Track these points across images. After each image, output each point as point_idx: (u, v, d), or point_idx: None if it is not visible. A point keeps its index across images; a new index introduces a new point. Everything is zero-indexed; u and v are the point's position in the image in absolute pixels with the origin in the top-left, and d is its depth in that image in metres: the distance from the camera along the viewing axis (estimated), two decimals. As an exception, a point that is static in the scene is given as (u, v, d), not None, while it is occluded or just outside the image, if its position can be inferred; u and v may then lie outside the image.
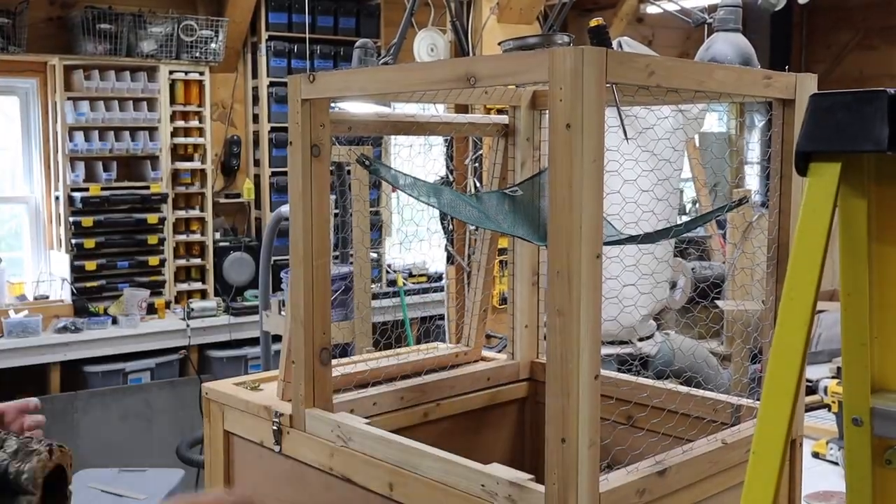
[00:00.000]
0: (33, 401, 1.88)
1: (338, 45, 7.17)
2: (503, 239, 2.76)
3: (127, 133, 6.38)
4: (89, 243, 6.25)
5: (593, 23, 2.24)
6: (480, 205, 2.35)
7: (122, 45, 6.31)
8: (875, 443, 1.25)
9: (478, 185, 4.78)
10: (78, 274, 6.25)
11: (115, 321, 6.18)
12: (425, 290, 7.21)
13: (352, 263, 4.18)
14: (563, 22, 4.89)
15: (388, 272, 7.33)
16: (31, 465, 1.38)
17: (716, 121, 10.13)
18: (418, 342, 6.05)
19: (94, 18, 6.16)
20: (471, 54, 4.79)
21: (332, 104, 2.27)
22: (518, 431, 2.80)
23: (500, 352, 3.01)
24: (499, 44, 2.21)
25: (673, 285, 4.72)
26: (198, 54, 6.58)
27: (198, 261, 6.81)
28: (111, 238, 6.34)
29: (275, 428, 2.29)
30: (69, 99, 6.17)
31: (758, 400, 2.21)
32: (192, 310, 6.46)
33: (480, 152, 4.70)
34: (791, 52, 10.18)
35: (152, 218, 6.45)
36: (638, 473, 1.83)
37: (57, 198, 6.34)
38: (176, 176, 6.64)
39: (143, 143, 6.41)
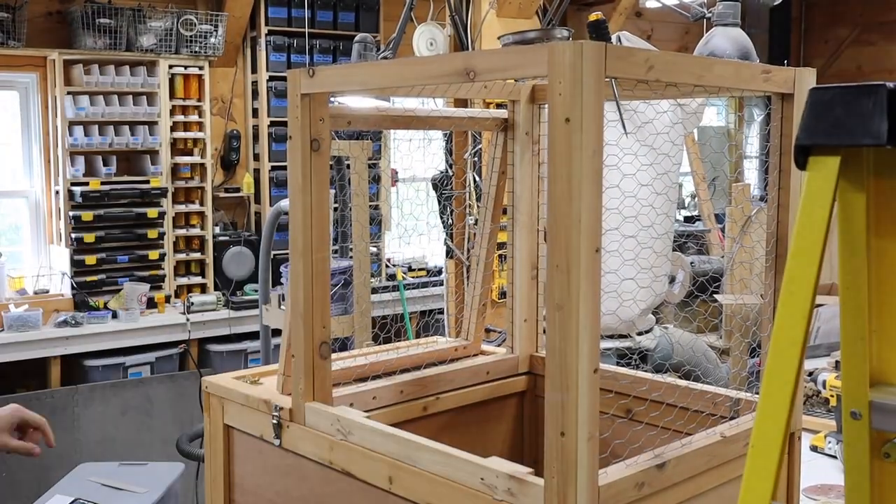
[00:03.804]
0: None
1: (337, 39, 7.17)
2: (502, 233, 2.77)
3: (126, 127, 6.39)
4: (89, 237, 6.25)
5: (592, 17, 2.24)
6: None
7: (121, 40, 6.31)
8: (873, 436, 1.25)
9: (477, 179, 4.78)
10: (78, 268, 6.26)
11: (115, 315, 6.19)
12: (425, 285, 7.22)
13: (351, 258, 4.18)
14: (563, 16, 4.89)
15: (387, 266, 7.33)
16: None
17: (715, 115, 10.14)
18: (418, 336, 6.06)
19: (93, 13, 6.16)
20: (470, 49, 4.79)
21: (332, 98, 2.28)
22: (517, 425, 2.80)
23: (499, 346, 3.01)
24: (498, 38, 2.21)
25: (672, 279, 4.73)
26: (197, 49, 6.58)
27: (197, 255, 6.81)
28: (111, 232, 6.34)
29: (274, 422, 2.30)
30: (69, 93, 6.17)
31: (756, 394, 2.22)
32: (192, 304, 6.46)
33: (480, 146, 4.70)
34: (790, 46, 10.19)
35: (152, 212, 6.46)
36: (637, 467, 1.83)
37: (57, 192, 6.34)
38: (175, 170, 6.64)
39: (142, 138, 6.41)
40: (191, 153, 6.70)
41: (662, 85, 1.89)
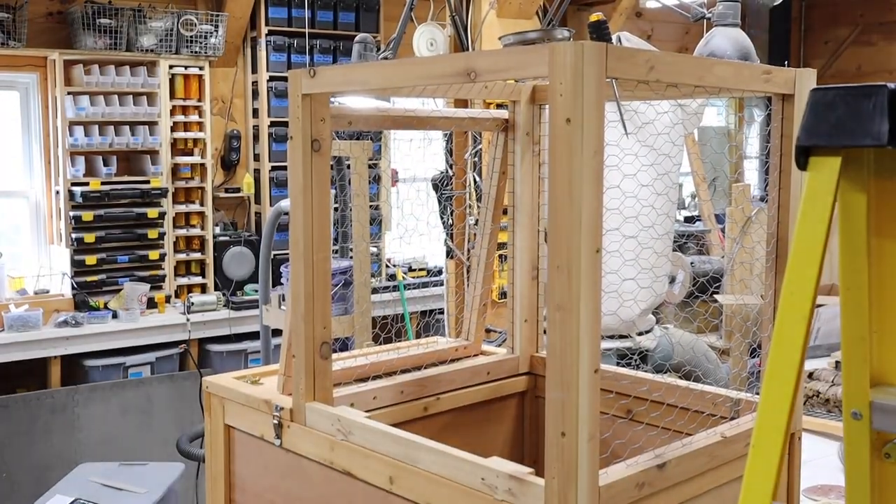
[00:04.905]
0: None
1: (337, 39, 7.16)
2: (503, 233, 2.77)
3: (127, 128, 6.38)
4: (89, 238, 6.25)
5: (593, 18, 2.25)
6: None
7: (121, 40, 6.31)
8: (874, 436, 1.25)
9: (477, 179, 4.78)
10: (78, 268, 6.26)
11: (115, 315, 6.19)
12: (425, 285, 7.22)
13: (351, 258, 4.18)
14: (563, 17, 4.90)
15: (387, 266, 7.34)
16: None
17: (715, 116, 10.14)
18: (418, 336, 6.06)
19: (94, 13, 6.16)
20: (470, 49, 4.80)
21: (332, 99, 2.28)
22: (518, 425, 2.81)
23: (499, 346, 3.01)
24: (499, 38, 2.22)
25: (672, 280, 4.73)
26: (197, 49, 6.58)
27: (198, 255, 6.81)
28: (111, 232, 6.34)
29: (275, 422, 2.30)
30: (69, 94, 6.17)
31: (756, 394, 2.22)
32: (192, 304, 6.46)
33: (480, 147, 4.70)
34: (790, 47, 10.19)
35: (152, 212, 6.46)
36: (637, 467, 1.83)
37: (57, 192, 6.34)
38: (176, 170, 6.64)
39: (142, 138, 6.41)
40: (191, 153, 6.70)
41: (663, 85, 1.89)
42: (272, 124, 7.02)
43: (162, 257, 6.53)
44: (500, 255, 3.14)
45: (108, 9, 6.24)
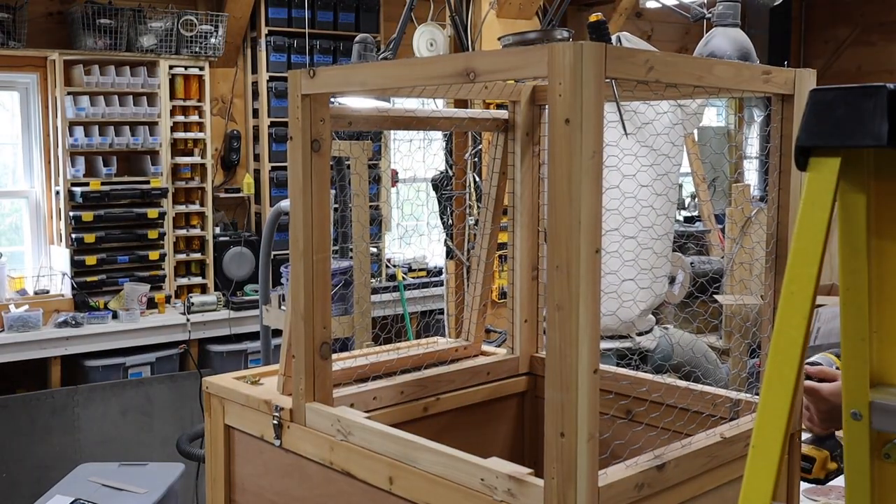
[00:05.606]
0: None
1: (337, 40, 7.17)
2: (503, 234, 2.77)
3: (127, 128, 6.39)
4: (89, 238, 6.25)
5: (593, 18, 2.25)
6: None
7: (121, 41, 6.31)
8: (874, 437, 1.25)
9: (477, 179, 4.78)
10: (78, 268, 6.26)
11: (115, 316, 6.19)
12: (425, 285, 7.22)
13: (351, 258, 4.18)
14: (563, 17, 4.90)
15: (387, 267, 7.34)
16: None
17: (715, 116, 10.15)
18: (418, 336, 6.06)
19: (94, 13, 6.16)
20: (470, 49, 4.79)
21: (332, 99, 2.28)
22: (517, 426, 2.81)
23: (499, 346, 3.01)
24: (498, 39, 2.22)
25: (672, 280, 4.73)
26: (197, 49, 6.58)
27: (198, 255, 6.81)
28: (111, 233, 6.35)
29: (275, 422, 2.30)
30: (69, 94, 6.17)
31: (756, 395, 2.22)
32: (192, 304, 6.47)
33: (480, 147, 4.70)
34: (790, 46, 10.20)
35: (152, 213, 6.46)
36: (637, 468, 1.83)
37: (57, 192, 6.34)
38: (176, 171, 6.64)
39: (143, 138, 6.41)
40: (191, 153, 6.70)
41: (662, 86, 1.89)
42: (272, 124, 7.02)
43: (162, 257, 6.53)
44: (500, 256, 3.13)
45: (108, 9, 6.25)
